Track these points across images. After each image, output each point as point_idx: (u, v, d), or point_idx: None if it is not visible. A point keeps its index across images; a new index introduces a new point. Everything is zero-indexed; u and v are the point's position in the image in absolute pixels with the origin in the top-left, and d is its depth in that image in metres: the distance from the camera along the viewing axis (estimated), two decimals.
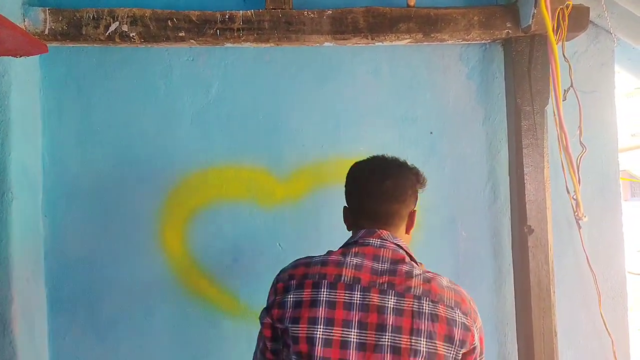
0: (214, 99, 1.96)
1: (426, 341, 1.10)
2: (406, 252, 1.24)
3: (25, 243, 1.78)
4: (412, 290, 1.13)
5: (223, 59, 1.96)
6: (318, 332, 1.11)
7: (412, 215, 1.31)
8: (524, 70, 1.92)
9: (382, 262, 1.19)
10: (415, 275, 1.16)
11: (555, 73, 1.72)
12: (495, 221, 2.03)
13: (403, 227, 1.29)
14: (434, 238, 2.01)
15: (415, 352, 1.09)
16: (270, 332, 1.21)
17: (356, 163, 1.36)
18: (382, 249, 1.21)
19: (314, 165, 1.98)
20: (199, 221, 1.94)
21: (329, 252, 1.25)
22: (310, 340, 1.11)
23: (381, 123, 2.00)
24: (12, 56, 1.73)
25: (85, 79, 1.92)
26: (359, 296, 1.13)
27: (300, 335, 1.12)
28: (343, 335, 1.11)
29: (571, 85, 1.88)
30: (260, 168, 1.96)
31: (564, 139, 1.78)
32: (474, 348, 1.15)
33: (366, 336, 1.11)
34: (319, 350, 1.11)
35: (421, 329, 1.10)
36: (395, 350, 1.09)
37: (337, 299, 1.13)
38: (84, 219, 1.90)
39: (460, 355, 1.13)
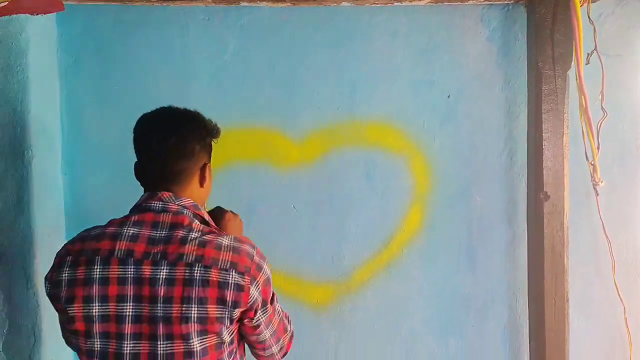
0: (229, 60, 1.94)
1: (197, 307, 1.10)
2: (193, 211, 1.21)
3: (45, 200, 1.82)
4: (185, 257, 1.12)
5: (239, 18, 1.93)
6: (94, 310, 1.12)
7: (203, 169, 1.26)
8: (546, 33, 1.86)
9: (160, 228, 1.16)
10: (190, 241, 1.14)
11: (578, 34, 1.67)
12: (511, 187, 2.02)
13: (194, 183, 1.25)
14: (448, 203, 2.01)
15: (187, 319, 1.10)
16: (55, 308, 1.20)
17: (143, 115, 1.28)
18: (163, 214, 1.18)
19: (329, 127, 1.97)
20: (214, 182, 1.93)
21: (110, 222, 1.21)
22: (88, 319, 1.12)
23: (397, 86, 1.98)
24: (28, 14, 1.72)
25: (102, 37, 1.91)
26: (132, 270, 1.12)
27: (76, 314, 1.12)
28: (118, 310, 1.11)
29: (595, 49, 1.83)
30: (275, 129, 1.96)
31: (584, 102, 1.74)
32: (253, 304, 1.16)
33: (142, 309, 1.11)
34: (96, 326, 1.12)
35: (192, 296, 1.10)
36: (167, 320, 1.10)
37: (110, 275, 1.12)
38: (102, 177, 1.92)
39: (237, 314, 1.14)
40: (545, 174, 1.88)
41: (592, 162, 1.87)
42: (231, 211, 1.42)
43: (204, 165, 1.27)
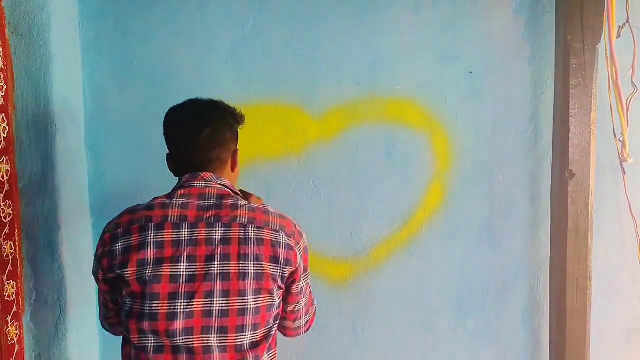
0: (249, 34, 1.92)
1: (253, 263, 1.17)
2: (231, 190, 1.30)
3: (69, 174, 1.85)
4: (238, 219, 1.19)
5: None
6: (147, 272, 1.16)
7: (234, 154, 1.35)
8: (576, 5, 1.79)
9: (208, 199, 1.23)
10: (241, 207, 1.22)
11: (610, 4, 1.61)
12: (535, 165, 1.98)
13: (227, 168, 1.34)
14: (469, 181, 1.98)
15: (244, 275, 1.16)
16: (105, 286, 1.25)
17: (172, 109, 1.34)
18: (208, 189, 1.25)
19: (349, 103, 1.95)
20: None
21: (155, 198, 1.27)
22: (141, 280, 1.16)
23: (420, 61, 1.94)
24: None
25: (122, 11, 1.90)
26: (186, 233, 1.18)
27: (130, 278, 1.16)
28: (172, 270, 1.16)
29: (627, 21, 1.76)
30: (294, 106, 1.94)
31: (614, 74, 1.68)
32: (299, 267, 1.25)
33: (195, 268, 1.16)
34: (149, 287, 1.15)
35: (248, 254, 1.17)
36: (225, 276, 1.16)
37: (164, 239, 1.17)
38: (124, 151, 1.94)
39: (287, 273, 1.22)
40: (571, 152, 1.83)
41: (621, 139, 1.81)
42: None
43: (235, 151, 1.36)
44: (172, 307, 1.15)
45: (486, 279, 2.02)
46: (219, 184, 1.27)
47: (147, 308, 1.16)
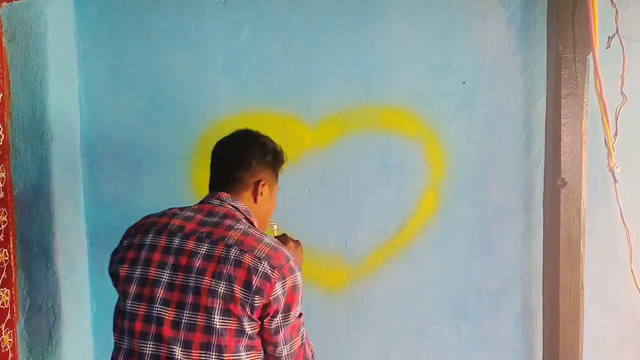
0: (245, 43, 1.94)
1: (225, 284, 1.17)
2: (244, 214, 1.32)
3: (65, 181, 1.86)
4: (226, 239, 1.21)
5: (255, 1, 1.92)
6: (136, 272, 1.22)
7: (257, 184, 1.36)
8: (567, 15, 1.82)
9: (213, 216, 1.28)
10: (236, 229, 1.24)
11: (593, 15, 1.64)
12: (528, 173, 1.99)
13: (247, 194, 1.35)
14: (463, 189, 1.99)
15: (213, 293, 1.17)
16: (111, 279, 1.31)
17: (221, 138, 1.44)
18: (219, 207, 1.30)
19: (343, 112, 1.96)
20: None
21: (171, 208, 1.34)
22: (129, 279, 1.23)
23: (413, 70, 1.95)
24: None
25: (118, 20, 1.92)
26: (178, 242, 1.23)
27: (121, 274, 1.24)
28: (156, 275, 1.21)
29: (616, 32, 1.78)
30: (289, 114, 1.96)
31: (599, 86, 1.71)
32: (274, 300, 1.19)
33: (176, 277, 1.20)
34: (133, 287, 1.22)
35: (223, 273, 1.17)
36: (197, 290, 1.18)
37: (159, 244, 1.23)
38: (119, 160, 1.95)
39: (258, 304, 1.17)
40: (562, 160, 1.85)
41: (608, 148, 1.84)
42: (294, 240, 1.49)
43: (258, 182, 1.36)
44: (149, 310, 1.19)
45: (480, 287, 2.03)
46: (232, 205, 1.31)
47: (130, 307, 1.20)
